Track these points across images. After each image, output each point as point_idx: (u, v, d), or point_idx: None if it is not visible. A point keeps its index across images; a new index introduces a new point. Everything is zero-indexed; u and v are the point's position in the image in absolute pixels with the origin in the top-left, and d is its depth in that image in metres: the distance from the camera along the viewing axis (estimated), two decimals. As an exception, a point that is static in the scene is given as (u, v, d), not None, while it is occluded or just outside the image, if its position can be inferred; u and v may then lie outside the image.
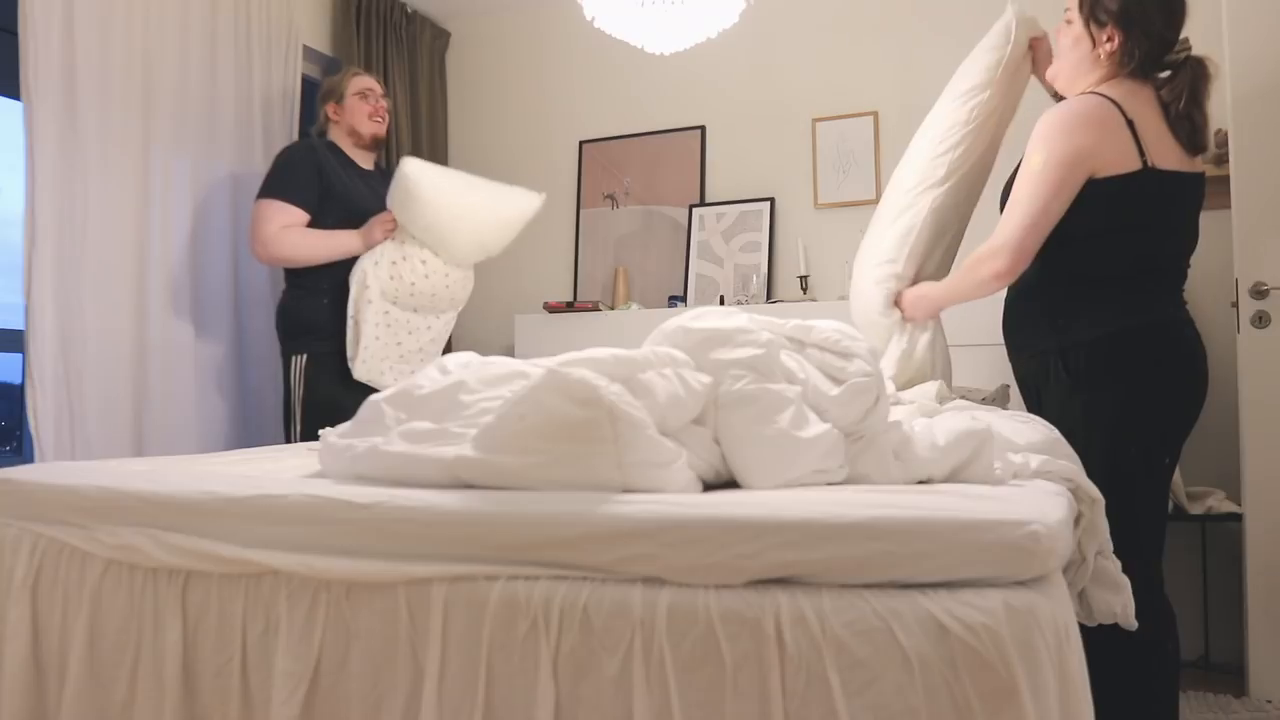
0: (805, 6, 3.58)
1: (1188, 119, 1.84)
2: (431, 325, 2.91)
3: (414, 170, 2.69)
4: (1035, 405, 2.01)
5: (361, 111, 2.90)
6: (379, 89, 2.98)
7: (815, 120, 3.54)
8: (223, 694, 1.17)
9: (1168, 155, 1.82)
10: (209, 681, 1.18)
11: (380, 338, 2.76)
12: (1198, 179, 1.88)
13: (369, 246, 2.76)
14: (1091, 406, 1.84)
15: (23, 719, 1.27)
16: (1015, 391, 2.25)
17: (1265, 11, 2.55)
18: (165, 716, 1.19)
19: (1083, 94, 1.88)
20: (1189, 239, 1.90)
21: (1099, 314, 1.86)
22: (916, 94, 3.40)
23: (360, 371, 2.73)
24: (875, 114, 3.47)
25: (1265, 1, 2.55)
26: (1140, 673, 1.78)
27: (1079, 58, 1.94)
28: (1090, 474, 1.59)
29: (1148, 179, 1.80)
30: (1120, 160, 1.80)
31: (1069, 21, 1.96)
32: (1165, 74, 1.88)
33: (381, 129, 2.96)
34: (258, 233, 2.71)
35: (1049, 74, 2.08)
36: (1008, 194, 1.98)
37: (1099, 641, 1.66)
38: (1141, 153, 1.80)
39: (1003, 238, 1.90)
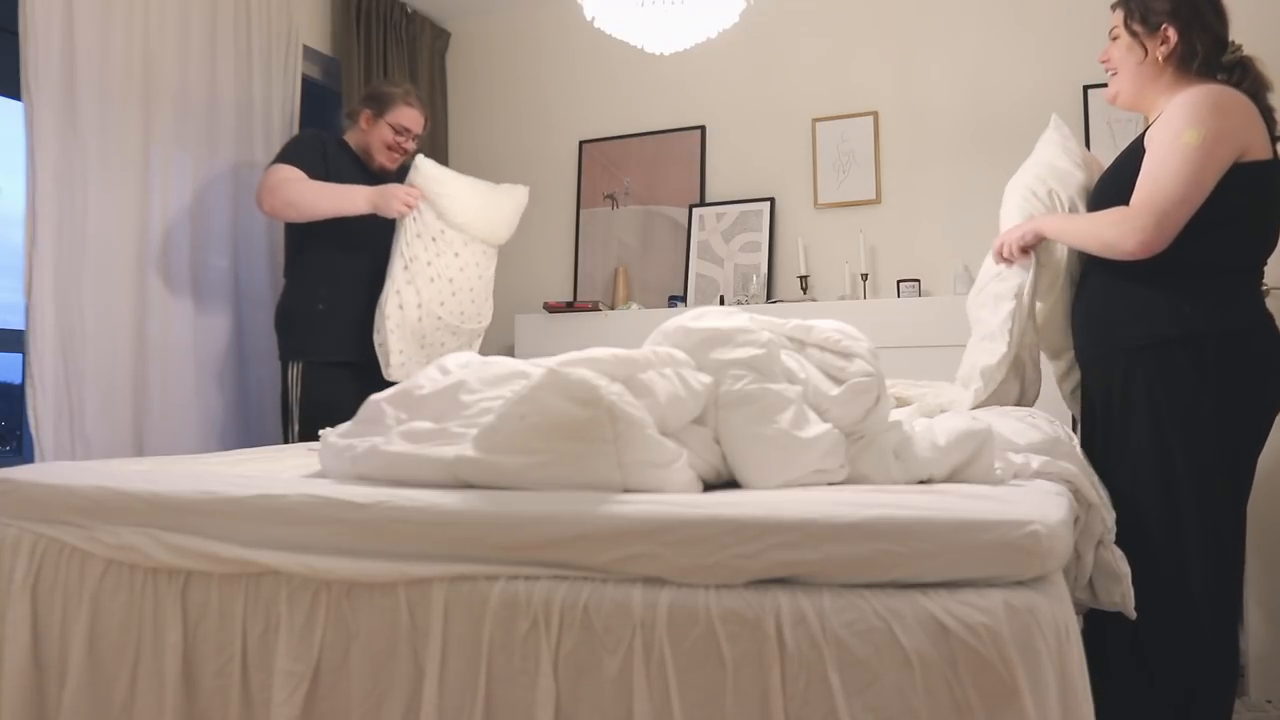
0: (805, 6, 3.58)
1: (1269, 113, 1.80)
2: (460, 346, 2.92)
3: (431, 164, 2.76)
4: (1117, 406, 1.84)
5: (384, 140, 2.82)
6: (419, 129, 2.88)
7: (815, 120, 3.54)
8: (223, 694, 1.17)
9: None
10: (209, 681, 1.18)
11: (405, 365, 2.75)
12: None
13: (377, 210, 2.67)
14: (1224, 403, 1.73)
15: (22, 719, 1.27)
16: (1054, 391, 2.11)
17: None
18: (165, 716, 1.18)
19: (1204, 84, 1.79)
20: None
21: (1229, 305, 1.76)
22: (916, 94, 3.42)
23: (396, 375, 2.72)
24: (875, 114, 3.47)
25: None
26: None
27: (1134, 67, 1.88)
28: (1189, 477, 1.69)
29: (1275, 169, 1.76)
30: (1262, 147, 1.75)
31: (1115, 38, 1.92)
32: (1222, 76, 1.83)
33: (392, 167, 2.88)
34: (262, 182, 2.65)
35: (1107, 96, 1.99)
36: (1105, 192, 1.89)
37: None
38: (1273, 141, 1.76)
39: (1148, 208, 1.75)
